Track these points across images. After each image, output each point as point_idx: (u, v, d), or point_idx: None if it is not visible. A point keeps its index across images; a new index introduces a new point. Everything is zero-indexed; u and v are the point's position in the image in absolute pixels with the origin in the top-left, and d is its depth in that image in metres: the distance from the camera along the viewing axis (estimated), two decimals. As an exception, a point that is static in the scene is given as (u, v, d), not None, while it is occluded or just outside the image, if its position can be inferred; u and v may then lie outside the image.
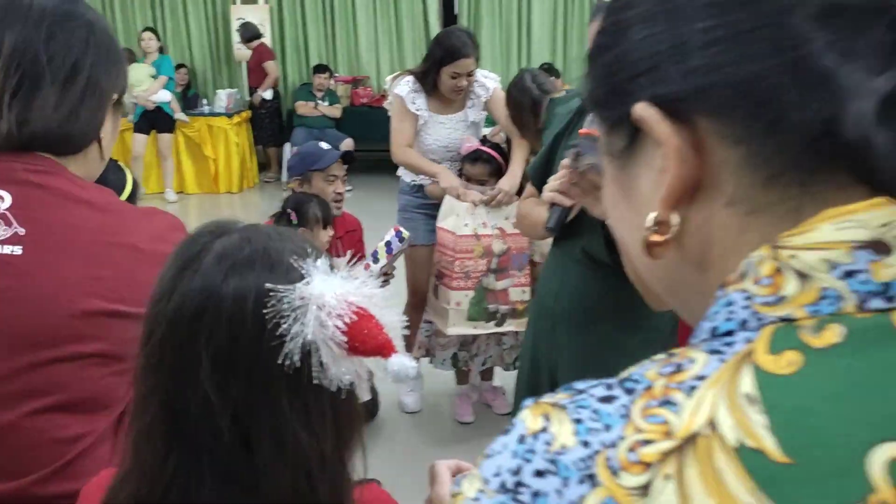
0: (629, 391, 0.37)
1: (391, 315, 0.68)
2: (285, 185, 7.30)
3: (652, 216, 0.40)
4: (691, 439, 0.33)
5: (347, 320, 0.64)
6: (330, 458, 0.67)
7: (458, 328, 2.75)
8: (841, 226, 0.35)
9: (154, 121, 6.76)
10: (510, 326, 2.78)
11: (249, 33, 7.62)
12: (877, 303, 0.34)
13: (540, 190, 1.58)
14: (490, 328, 2.77)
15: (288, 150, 7.35)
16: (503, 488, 0.36)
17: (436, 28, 7.99)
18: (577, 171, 1.39)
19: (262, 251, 0.67)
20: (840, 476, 0.31)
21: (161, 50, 7.02)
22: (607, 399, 0.37)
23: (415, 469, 1.01)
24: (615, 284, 1.49)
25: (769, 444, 0.32)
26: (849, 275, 0.34)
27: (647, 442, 0.34)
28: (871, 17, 0.36)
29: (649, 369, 0.37)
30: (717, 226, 0.40)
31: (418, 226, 2.84)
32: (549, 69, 6.10)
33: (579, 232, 1.61)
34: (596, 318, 1.66)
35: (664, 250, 0.41)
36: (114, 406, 0.90)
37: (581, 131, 1.45)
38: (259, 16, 8.07)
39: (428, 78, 2.78)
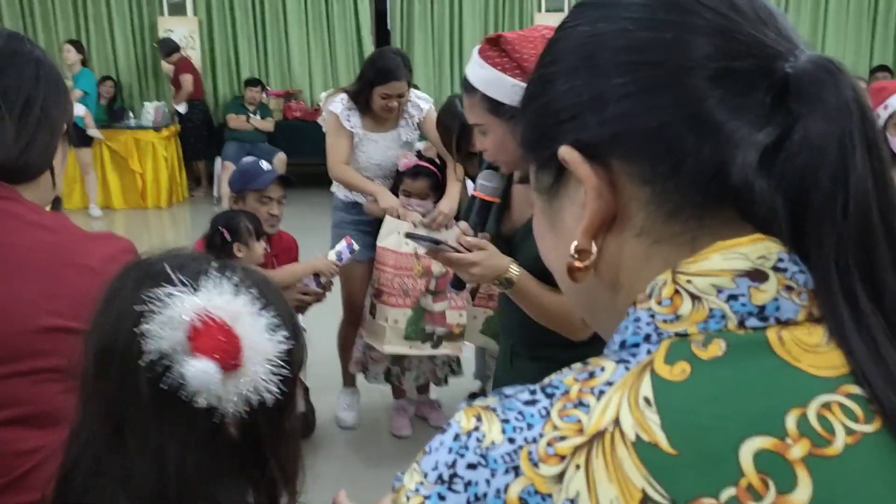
0: (549, 395, 0.42)
1: (262, 339, 0.71)
2: (216, 200, 7.19)
3: (574, 245, 0.46)
4: (599, 435, 0.39)
5: (195, 325, 0.68)
6: (199, 473, 0.70)
7: (394, 346, 2.77)
8: (727, 256, 0.41)
9: (69, 136, 6.51)
10: (446, 349, 2.81)
11: (168, 48, 7.47)
12: (753, 322, 0.40)
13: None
14: (426, 349, 2.79)
15: (219, 164, 7.24)
16: (440, 479, 0.41)
17: (368, 42, 8.02)
18: (431, 252, 1.50)
19: (171, 267, 0.72)
20: (717, 464, 0.37)
21: (84, 63, 6.81)
22: (531, 402, 0.42)
23: (353, 485, 1.04)
24: None
25: (660, 439, 0.38)
26: (732, 298, 0.40)
27: (563, 438, 0.39)
28: (755, 80, 0.42)
29: (567, 376, 0.43)
30: (628, 253, 0.45)
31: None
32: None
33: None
34: (537, 340, 1.69)
35: (584, 275, 0.47)
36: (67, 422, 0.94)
37: (473, 192, 1.54)
38: (188, 28, 7.94)
39: (361, 97, 2.82)
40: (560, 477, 0.39)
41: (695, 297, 0.41)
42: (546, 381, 0.43)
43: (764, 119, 0.41)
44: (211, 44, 8.14)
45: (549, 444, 0.40)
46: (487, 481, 0.40)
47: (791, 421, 0.37)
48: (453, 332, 2.78)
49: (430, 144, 3.17)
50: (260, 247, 2.45)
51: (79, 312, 0.90)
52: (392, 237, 2.74)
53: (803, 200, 0.40)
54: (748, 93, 0.42)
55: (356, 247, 2.59)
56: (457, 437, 0.42)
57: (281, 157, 6.86)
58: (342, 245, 2.57)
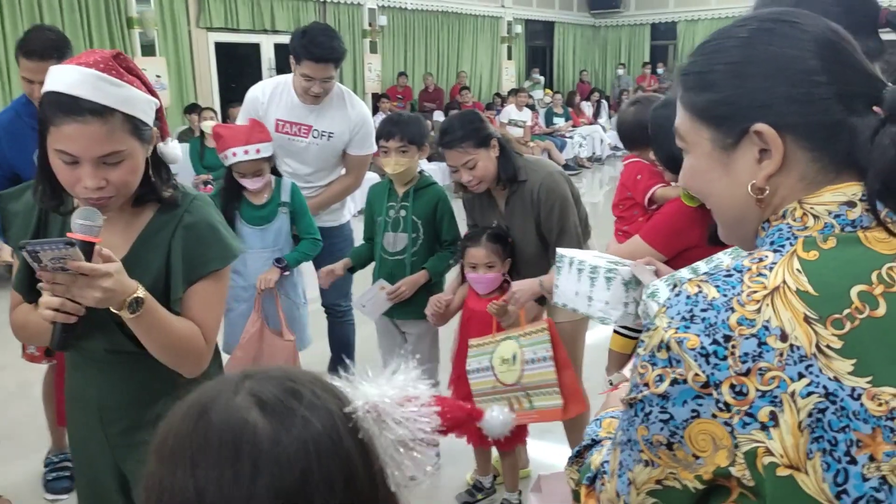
0: (739, 271, 0.73)
1: (424, 387, 0.78)
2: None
3: (752, 183, 0.77)
4: (776, 289, 0.70)
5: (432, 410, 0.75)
6: None
7: None
8: (835, 194, 0.75)
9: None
10: None
11: None
12: (849, 228, 0.74)
13: (30, 299, 1.44)
14: None
15: None
16: (682, 318, 0.71)
17: None
18: (47, 271, 1.26)
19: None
20: (839, 299, 0.69)
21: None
22: (729, 275, 0.73)
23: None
24: (152, 363, 1.44)
25: (809, 288, 0.70)
26: (836, 216, 0.74)
27: (755, 291, 0.70)
28: (871, 98, 0.75)
29: (744, 261, 0.73)
30: (786, 189, 0.77)
31: None
32: None
33: (94, 335, 1.46)
34: (148, 398, 1.52)
35: (762, 203, 0.78)
36: None
37: (69, 234, 1.29)
38: None
39: None
40: (758, 310, 0.69)
41: (815, 216, 0.74)
42: (730, 265, 0.74)
43: (868, 119, 0.74)
44: None
45: (748, 295, 0.70)
46: (715, 316, 0.70)
47: (874, 276, 0.71)
48: None
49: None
50: None
51: None
52: None
53: (891, 170, 0.72)
54: (867, 103, 0.75)
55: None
56: (688, 297, 0.72)
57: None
58: None
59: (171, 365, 1.45)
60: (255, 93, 3.16)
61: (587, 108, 13.06)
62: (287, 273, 2.90)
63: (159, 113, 1.45)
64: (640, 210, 2.51)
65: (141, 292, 1.33)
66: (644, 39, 15.94)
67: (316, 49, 2.89)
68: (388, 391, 0.73)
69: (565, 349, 2.43)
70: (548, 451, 2.98)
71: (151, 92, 1.41)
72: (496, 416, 0.81)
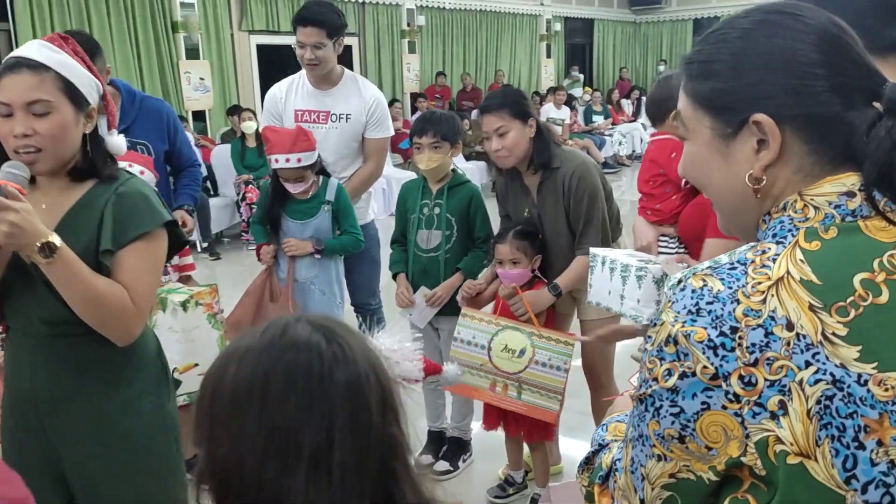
0: (742, 263, 0.73)
1: (410, 343, 1.03)
2: None
3: (749, 173, 0.77)
4: (780, 279, 0.71)
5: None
6: None
7: None
8: (834, 185, 0.75)
9: None
10: None
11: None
12: (849, 218, 0.74)
13: None
14: None
15: None
16: (689, 312, 0.72)
17: None
18: None
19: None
20: (842, 287, 0.70)
21: None
22: (733, 268, 0.73)
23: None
24: (88, 345, 1.49)
25: (812, 277, 0.70)
26: (837, 206, 0.74)
27: (760, 283, 0.71)
28: (867, 93, 0.74)
29: (747, 253, 0.74)
30: (783, 180, 0.77)
31: None
32: None
33: (28, 304, 1.52)
34: (86, 384, 1.55)
35: (758, 192, 0.78)
36: None
37: None
38: None
39: None
40: (763, 301, 0.70)
41: (816, 207, 0.75)
42: (732, 258, 0.75)
43: (866, 114, 0.74)
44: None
45: (753, 286, 0.71)
46: (721, 308, 0.71)
47: (875, 263, 0.72)
48: None
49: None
50: None
51: None
52: None
53: (887, 161, 0.73)
54: (866, 98, 0.75)
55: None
56: (694, 291, 0.72)
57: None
58: None
59: (98, 326, 1.47)
60: (273, 91, 3.31)
61: (627, 105, 12.93)
62: (318, 256, 2.92)
63: (105, 101, 1.58)
64: (674, 188, 2.49)
65: (56, 240, 1.36)
66: (686, 35, 15.71)
67: (303, 11, 3.06)
68: (387, 341, 0.95)
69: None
70: (580, 449, 2.98)
71: (96, 77, 1.56)
72: (452, 370, 1.16)
